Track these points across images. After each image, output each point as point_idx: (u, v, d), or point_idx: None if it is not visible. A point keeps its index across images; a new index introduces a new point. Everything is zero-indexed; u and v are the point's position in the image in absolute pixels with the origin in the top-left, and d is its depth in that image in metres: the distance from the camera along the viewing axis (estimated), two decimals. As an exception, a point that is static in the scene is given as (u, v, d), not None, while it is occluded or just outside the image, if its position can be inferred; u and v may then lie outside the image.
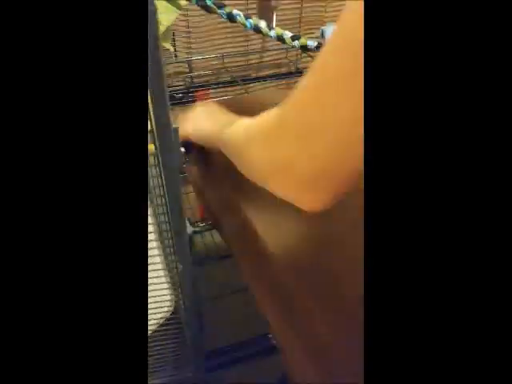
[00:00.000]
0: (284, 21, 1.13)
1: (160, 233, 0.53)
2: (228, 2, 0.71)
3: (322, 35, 0.68)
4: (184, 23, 1.07)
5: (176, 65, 1.14)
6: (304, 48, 0.71)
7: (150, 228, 0.52)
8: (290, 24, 1.14)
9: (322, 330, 0.42)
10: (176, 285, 0.57)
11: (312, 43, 0.71)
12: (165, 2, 0.66)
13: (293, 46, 0.71)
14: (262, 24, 0.69)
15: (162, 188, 0.43)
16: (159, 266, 0.55)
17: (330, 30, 0.68)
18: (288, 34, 0.70)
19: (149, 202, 0.48)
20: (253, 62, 1.22)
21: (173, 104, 1.07)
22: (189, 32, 1.09)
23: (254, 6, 1.08)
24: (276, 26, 0.91)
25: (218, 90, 1.21)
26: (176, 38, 1.08)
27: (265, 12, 1.05)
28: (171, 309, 0.61)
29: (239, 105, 0.79)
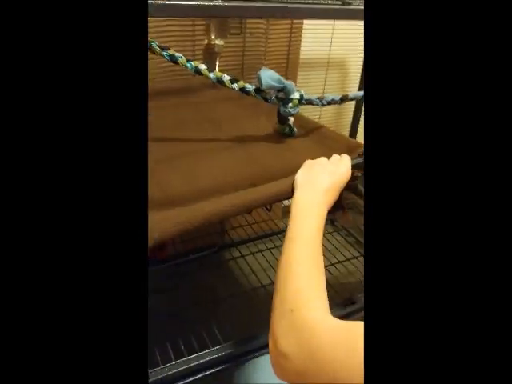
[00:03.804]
0: (228, 66, 1.20)
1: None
2: (179, 48, 0.75)
3: (259, 79, 0.73)
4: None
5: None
6: (243, 90, 0.76)
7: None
8: (234, 68, 1.21)
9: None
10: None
11: (250, 86, 0.76)
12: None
13: (233, 89, 0.76)
14: (202, 67, 0.73)
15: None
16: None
17: (264, 74, 0.73)
18: (227, 77, 0.74)
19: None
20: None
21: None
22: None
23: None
24: (220, 69, 0.96)
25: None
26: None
27: (209, 57, 1.11)
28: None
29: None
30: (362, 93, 0.79)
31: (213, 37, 1.07)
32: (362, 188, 0.70)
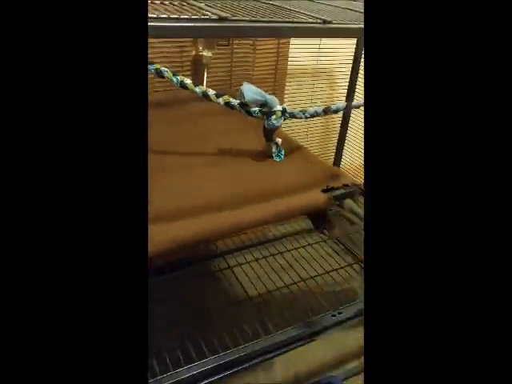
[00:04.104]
0: (216, 77, 1.21)
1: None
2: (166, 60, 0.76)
3: (241, 94, 0.74)
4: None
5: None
6: (228, 104, 0.77)
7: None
8: (222, 79, 1.22)
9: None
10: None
11: (235, 101, 0.77)
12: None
13: (218, 103, 0.77)
14: (188, 81, 0.74)
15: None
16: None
17: (246, 88, 0.74)
18: (211, 92, 0.75)
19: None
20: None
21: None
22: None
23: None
24: (208, 81, 0.97)
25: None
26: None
27: (197, 68, 1.12)
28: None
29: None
30: (343, 104, 0.81)
31: (200, 48, 1.09)
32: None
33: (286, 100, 1.29)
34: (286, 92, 1.29)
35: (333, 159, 1.41)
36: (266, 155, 0.85)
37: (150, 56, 0.73)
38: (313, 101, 1.35)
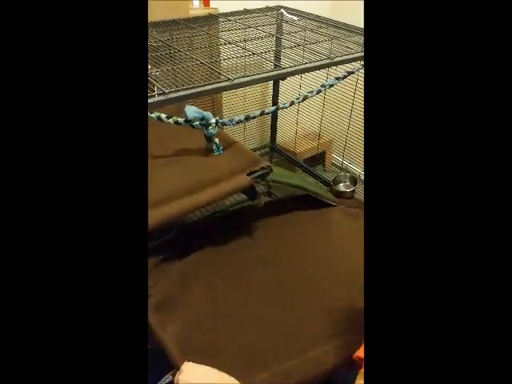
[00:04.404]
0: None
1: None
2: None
3: (184, 114, 1.07)
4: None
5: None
6: (176, 123, 1.10)
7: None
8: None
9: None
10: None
11: (181, 119, 1.10)
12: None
13: (168, 122, 1.09)
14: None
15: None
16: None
17: (188, 109, 1.07)
18: (163, 115, 1.08)
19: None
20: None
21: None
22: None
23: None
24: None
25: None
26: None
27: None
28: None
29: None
30: (258, 112, 1.15)
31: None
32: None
33: (224, 109, 1.62)
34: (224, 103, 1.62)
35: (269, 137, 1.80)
36: (208, 152, 1.19)
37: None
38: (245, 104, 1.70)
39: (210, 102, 1.58)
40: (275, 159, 1.89)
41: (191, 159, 1.18)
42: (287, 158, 1.83)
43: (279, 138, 1.90)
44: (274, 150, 1.93)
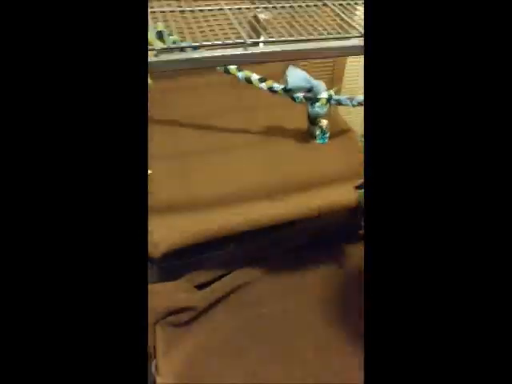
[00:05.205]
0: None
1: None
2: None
3: (285, 79, 0.73)
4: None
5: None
6: (271, 90, 0.77)
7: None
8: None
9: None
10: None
11: (278, 86, 0.76)
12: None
13: (260, 88, 0.77)
14: (232, 66, 0.74)
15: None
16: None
17: (291, 74, 0.73)
18: (255, 77, 0.75)
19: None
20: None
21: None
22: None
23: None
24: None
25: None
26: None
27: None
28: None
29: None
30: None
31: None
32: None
33: (346, 79, 1.23)
34: (346, 71, 1.23)
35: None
36: (309, 137, 0.84)
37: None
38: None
39: (330, 69, 1.20)
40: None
41: (282, 144, 0.84)
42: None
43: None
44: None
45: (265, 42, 0.47)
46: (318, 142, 0.84)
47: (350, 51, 0.54)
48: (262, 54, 0.47)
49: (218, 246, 0.73)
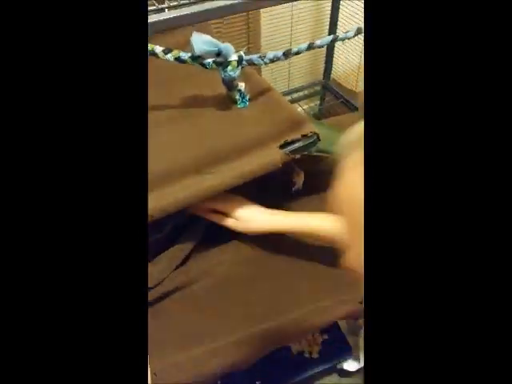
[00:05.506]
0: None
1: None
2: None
3: (191, 46, 0.70)
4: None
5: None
6: (178, 59, 0.73)
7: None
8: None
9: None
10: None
11: (185, 54, 0.73)
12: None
13: (167, 59, 0.72)
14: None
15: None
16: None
17: (197, 39, 0.70)
18: (159, 49, 0.71)
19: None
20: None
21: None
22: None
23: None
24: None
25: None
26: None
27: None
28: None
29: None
30: (305, 45, 0.75)
31: None
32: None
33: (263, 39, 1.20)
34: (262, 24, 1.19)
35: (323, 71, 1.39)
36: (230, 103, 0.82)
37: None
38: (293, 32, 1.25)
39: (244, 28, 1.16)
40: (329, 102, 1.47)
41: (205, 114, 0.82)
42: (344, 102, 1.39)
43: (335, 72, 1.45)
44: (326, 88, 1.49)
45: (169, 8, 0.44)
46: (239, 106, 0.81)
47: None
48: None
49: (152, 230, 0.71)
